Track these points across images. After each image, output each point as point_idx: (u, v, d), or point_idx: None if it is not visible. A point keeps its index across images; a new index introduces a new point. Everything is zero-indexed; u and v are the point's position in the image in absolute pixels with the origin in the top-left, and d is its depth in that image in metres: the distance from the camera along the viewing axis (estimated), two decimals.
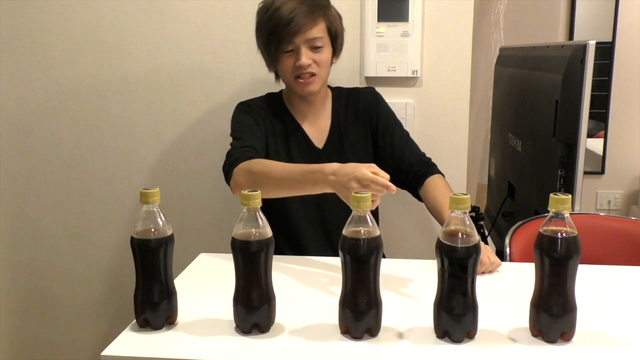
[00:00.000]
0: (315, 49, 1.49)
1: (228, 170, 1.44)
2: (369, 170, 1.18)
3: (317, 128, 1.63)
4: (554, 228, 0.93)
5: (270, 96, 1.68)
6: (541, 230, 0.95)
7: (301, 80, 1.51)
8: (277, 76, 1.63)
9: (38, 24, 1.97)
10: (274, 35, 1.46)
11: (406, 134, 1.66)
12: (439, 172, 1.60)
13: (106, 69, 1.99)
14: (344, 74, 1.86)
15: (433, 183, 1.56)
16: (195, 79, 1.97)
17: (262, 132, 1.57)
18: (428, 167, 1.60)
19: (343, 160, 1.55)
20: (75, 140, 2.05)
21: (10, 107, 2.04)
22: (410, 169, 1.59)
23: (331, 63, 1.56)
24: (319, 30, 1.48)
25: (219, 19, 1.92)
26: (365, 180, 1.16)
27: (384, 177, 1.17)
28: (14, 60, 2.01)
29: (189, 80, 1.97)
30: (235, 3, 1.91)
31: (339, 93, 1.68)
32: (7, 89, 2.03)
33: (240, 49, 1.93)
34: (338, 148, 1.62)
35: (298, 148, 1.60)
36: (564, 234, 0.93)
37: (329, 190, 1.24)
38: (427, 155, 1.65)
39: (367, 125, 1.64)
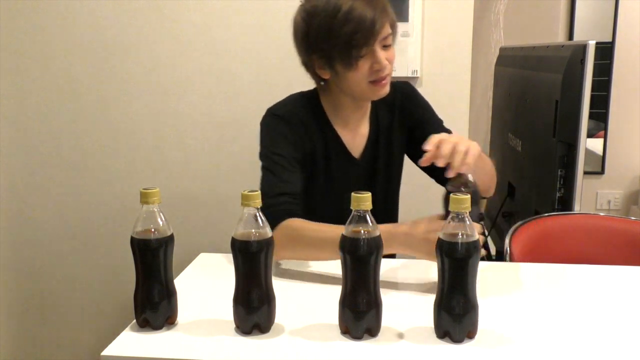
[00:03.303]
0: (386, 47, 1.34)
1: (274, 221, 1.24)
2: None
3: (356, 134, 1.49)
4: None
5: (304, 99, 1.49)
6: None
7: (378, 84, 1.35)
8: (323, 80, 1.42)
9: (38, 24, 1.97)
10: (355, 40, 1.28)
11: (445, 128, 1.50)
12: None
13: (106, 69, 1.99)
14: None
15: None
16: (195, 79, 1.97)
17: (300, 154, 1.40)
18: None
19: (377, 168, 1.50)
20: (75, 140, 2.05)
21: (10, 107, 2.04)
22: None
23: None
24: (388, 27, 1.34)
25: (219, 19, 1.92)
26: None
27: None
28: (14, 60, 2.01)
29: (189, 80, 1.97)
30: (235, 3, 1.91)
31: None
32: (7, 89, 2.03)
33: (240, 49, 1.94)
34: (376, 155, 1.50)
35: (337, 160, 1.47)
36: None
37: (400, 251, 1.18)
38: None
39: (405, 124, 1.51)
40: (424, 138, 1.39)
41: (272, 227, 1.20)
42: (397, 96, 1.50)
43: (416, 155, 1.46)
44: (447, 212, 1.05)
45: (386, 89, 1.39)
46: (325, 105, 1.48)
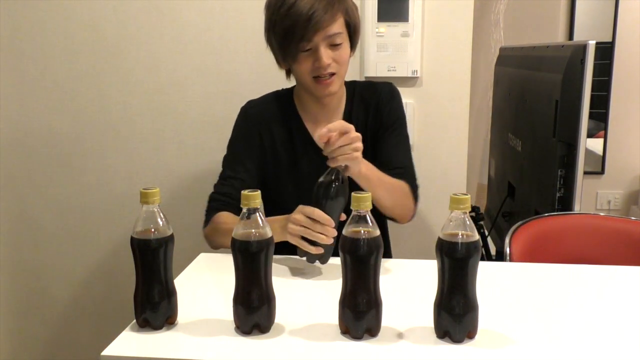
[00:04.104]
0: (334, 46, 1.38)
1: (205, 219, 1.49)
2: (303, 212, 1.21)
3: None
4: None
5: (279, 96, 1.58)
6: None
7: (321, 81, 1.40)
8: (288, 73, 1.52)
9: (38, 24, 1.97)
10: (292, 34, 1.34)
11: (403, 140, 1.54)
12: (408, 183, 1.45)
13: (106, 69, 1.99)
14: None
15: None
16: (195, 79, 1.97)
17: (253, 149, 1.51)
18: (395, 177, 1.43)
19: None
20: (75, 140, 2.05)
21: (10, 107, 2.04)
22: None
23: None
24: (338, 26, 1.37)
25: (219, 19, 1.92)
26: (298, 222, 1.21)
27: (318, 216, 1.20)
28: (14, 60, 2.01)
29: (189, 80, 1.97)
30: (235, 3, 1.91)
31: (353, 89, 1.56)
32: (7, 89, 2.03)
33: (240, 49, 1.93)
34: None
35: (307, 158, 1.51)
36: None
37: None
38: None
39: (377, 123, 1.53)
40: (380, 144, 1.50)
41: (207, 220, 1.47)
42: (375, 96, 1.54)
43: (374, 155, 1.50)
44: (319, 202, 1.22)
45: (331, 88, 1.42)
46: (296, 101, 1.55)
